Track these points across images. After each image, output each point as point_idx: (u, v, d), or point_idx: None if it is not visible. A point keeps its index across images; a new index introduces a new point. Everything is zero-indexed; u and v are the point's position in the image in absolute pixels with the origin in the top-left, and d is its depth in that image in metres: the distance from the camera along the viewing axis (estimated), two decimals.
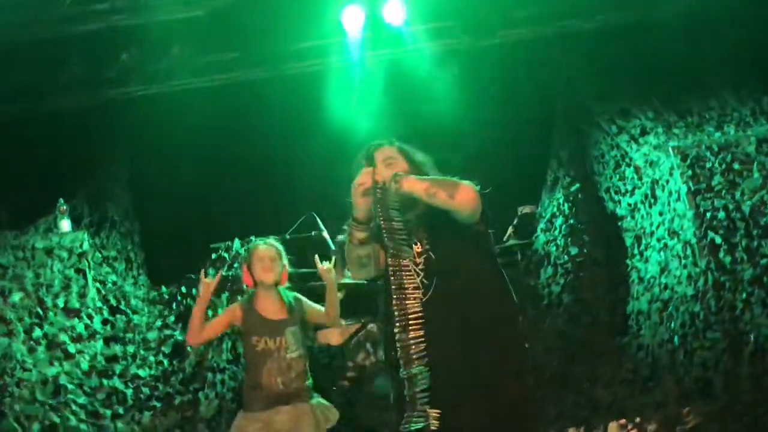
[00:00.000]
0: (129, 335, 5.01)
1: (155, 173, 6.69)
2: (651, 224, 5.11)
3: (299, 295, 3.74)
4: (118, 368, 4.80)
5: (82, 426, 4.41)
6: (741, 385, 4.11)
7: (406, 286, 2.67)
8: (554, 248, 5.53)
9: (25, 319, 4.66)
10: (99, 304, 5.08)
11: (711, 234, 4.51)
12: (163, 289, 5.57)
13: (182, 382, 4.71)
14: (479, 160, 6.27)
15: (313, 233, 5.32)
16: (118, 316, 5.20)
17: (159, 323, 5.18)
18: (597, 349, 5.09)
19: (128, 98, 6.42)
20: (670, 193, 4.84)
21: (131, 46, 6.05)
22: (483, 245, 2.80)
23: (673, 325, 4.68)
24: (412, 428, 2.40)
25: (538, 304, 5.39)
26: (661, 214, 4.99)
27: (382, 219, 2.77)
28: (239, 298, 4.13)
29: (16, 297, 4.76)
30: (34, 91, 6.18)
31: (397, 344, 2.53)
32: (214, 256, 5.32)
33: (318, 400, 3.58)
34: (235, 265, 5.12)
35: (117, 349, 4.89)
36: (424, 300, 2.60)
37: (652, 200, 5.09)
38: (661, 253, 4.94)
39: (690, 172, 4.67)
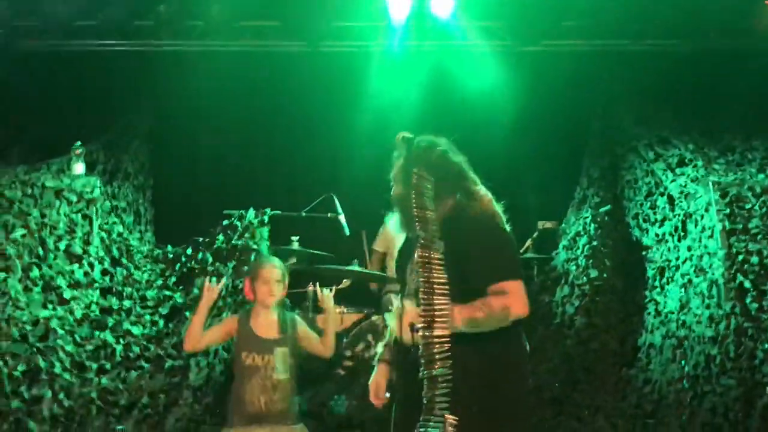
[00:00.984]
0: (127, 290, 4.86)
1: (175, 132, 6.60)
2: (677, 258, 4.95)
3: (298, 318, 3.74)
4: (111, 321, 4.65)
5: (66, 375, 4.27)
6: None
7: (434, 280, 2.51)
8: (574, 268, 5.37)
9: (25, 258, 4.51)
10: (101, 253, 4.92)
11: (740, 277, 4.35)
12: (169, 248, 5.42)
13: (175, 346, 4.56)
14: (505, 168, 6.11)
15: (329, 214, 5.20)
16: (118, 268, 5.04)
17: (159, 282, 5.02)
18: (602, 377, 4.95)
19: (158, 51, 6.34)
20: (703, 229, 4.69)
21: None
22: None
23: (685, 364, 4.52)
24: None
25: (549, 322, 5.24)
26: (689, 249, 4.83)
27: (416, 207, 2.66)
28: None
29: (18, 233, 4.61)
30: (65, 29, 6.05)
31: (420, 342, 2.37)
32: (225, 222, 5.19)
33: (301, 428, 3.57)
34: (246, 234, 4.98)
35: (113, 301, 4.74)
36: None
37: (682, 233, 4.94)
38: (684, 289, 4.78)
39: (728, 210, 4.52)
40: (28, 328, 4.26)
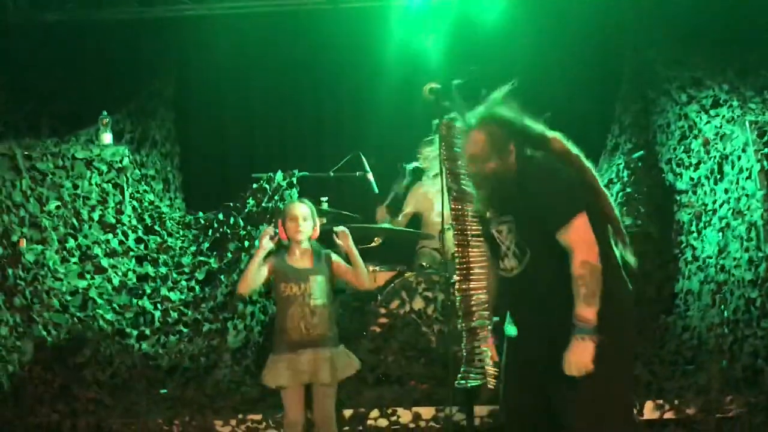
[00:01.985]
0: (162, 257, 4.91)
1: (200, 97, 6.60)
2: (714, 201, 4.84)
3: (331, 252, 3.83)
4: (148, 289, 4.71)
5: (106, 342, 4.35)
6: None
7: (468, 232, 2.49)
8: None
9: (60, 229, 4.58)
10: (134, 221, 4.97)
11: None
12: (200, 214, 5.44)
13: (212, 310, 4.62)
14: (533, 118, 6.00)
15: (357, 173, 5.16)
16: (151, 236, 5.10)
17: (193, 248, 5.06)
18: (640, 325, 4.89)
19: (179, 16, 6.33)
20: (741, 171, 4.56)
21: None
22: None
23: (725, 309, 4.46)
24: (469, 386, 2.23)
25: None
26: (726, 191, 4.71)
27: (446, 159, 2.65)
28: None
29: (53, 205, 4.67)
30: None
31: (457, 293, 2.35)
32: (255, 186, 5.19)
33: (342, 349, 3.70)
34: (276, 197, 4.98)
35: (149, 269, 4.80)
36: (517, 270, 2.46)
37: (719, 176, 4.81)
38: (722, 233, 4.68)
39: (766, 150, 4.38)
40: (68, 298, 4.35)
